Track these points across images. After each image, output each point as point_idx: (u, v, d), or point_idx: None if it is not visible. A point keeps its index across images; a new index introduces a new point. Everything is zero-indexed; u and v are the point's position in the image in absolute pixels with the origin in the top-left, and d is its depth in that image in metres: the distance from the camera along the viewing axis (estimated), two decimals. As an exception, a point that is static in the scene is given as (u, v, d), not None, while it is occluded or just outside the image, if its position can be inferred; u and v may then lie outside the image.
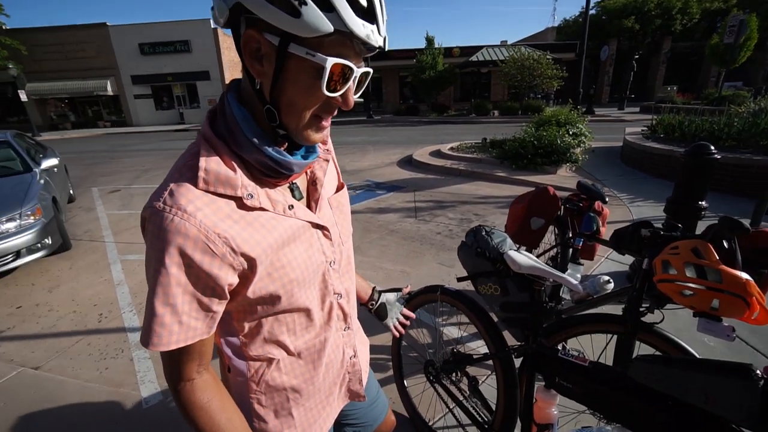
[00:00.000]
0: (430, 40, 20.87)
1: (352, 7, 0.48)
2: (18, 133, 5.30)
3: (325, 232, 0.69)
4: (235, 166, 0.56)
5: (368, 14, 0.50)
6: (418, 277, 3.09)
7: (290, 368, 0.71)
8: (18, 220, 3.34)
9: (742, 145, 5.06)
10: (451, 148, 8.50)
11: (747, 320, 0.97)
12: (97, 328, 2.61)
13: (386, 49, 0.55)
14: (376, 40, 0.51)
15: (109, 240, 4.29)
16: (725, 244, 1.03)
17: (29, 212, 3.44)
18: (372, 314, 1.09)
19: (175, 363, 0.59)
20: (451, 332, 2.33)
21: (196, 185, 0.54)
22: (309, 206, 0.69)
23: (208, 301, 0.57)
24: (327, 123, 0.60)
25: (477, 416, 1.36)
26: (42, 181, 4.06)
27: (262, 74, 0.54)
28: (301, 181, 0.69)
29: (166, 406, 1.91)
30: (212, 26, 22.57)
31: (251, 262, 0.57)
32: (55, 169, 4.83)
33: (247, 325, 0.66)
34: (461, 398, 1.43)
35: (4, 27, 20.89)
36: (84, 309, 2.87)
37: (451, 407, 1.51)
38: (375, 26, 0.51)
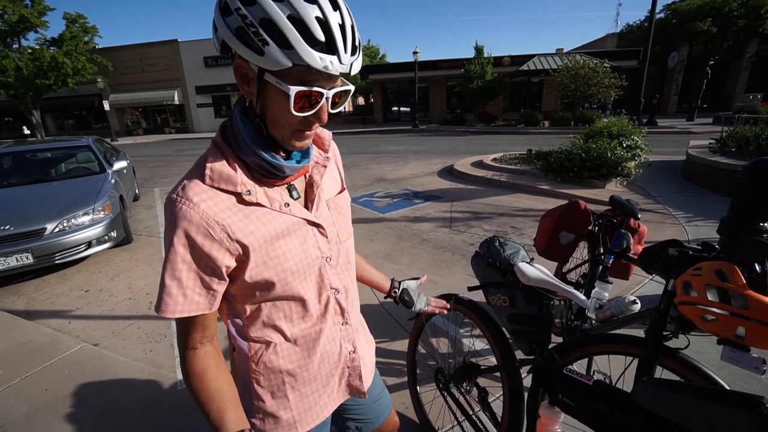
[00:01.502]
0: (479, 50, 20.62)
1: (308, 43, 0.55)
2: (98, 138, 6.02)
3: (321, 229, 0.76)
4: (237, 167, 0.67)
5: (328, 46, 0.57)
6: (446, 286, 3.07)
7: (286, 353, 0.77)
8: (91, 215, 3.79)
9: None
10: (494, 159, 8.31)
11: (780, 352, 0.89)
12: (146, 315, 2.88)
13: (351, 74, 0.61)
14: (336, 69, 0.58)
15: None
16: (757, 268, 0.94)
17: (100, 208, 3.90)
18: (398, 303, 1.14)
19: (183, 332, 0.70)
20: (470, 342, 2.29)
21: (203, 181, 0.65)
22: (306, 206, 0.76)
23: (209, 279, 0.66)
24: (310, 133, 0.67)
25: (481, 428, 1.33)
26: (113, 181, 4.58)
27: (250, 94, 0.64)
28: (299, 183, 0.77)
29: (197, 390, 2.07)
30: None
31: (245, 249, 0.66)
32: (125, 171, 5.41)
33: (248, 308, 0.74)
34: (468, 409, 1.41)
35: (96, 47, 23.84)
36: (137, 296, 3.18)
37: (460, 420, 1.49)
38: (335, 56, 0.57)
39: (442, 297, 1.52)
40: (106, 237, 3.86)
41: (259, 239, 0.67)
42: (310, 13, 0.55)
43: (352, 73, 0.61)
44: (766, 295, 0.90)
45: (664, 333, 1.16)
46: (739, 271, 0.92)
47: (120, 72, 25.23)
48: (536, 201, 5.52)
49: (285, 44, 0.55)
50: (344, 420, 1.01)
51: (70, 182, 4.48)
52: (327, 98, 0.61)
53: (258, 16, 0.55)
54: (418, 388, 1.70)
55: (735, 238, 2.23)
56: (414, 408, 1.70)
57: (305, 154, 0.74)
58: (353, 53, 0.60)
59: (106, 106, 21.72)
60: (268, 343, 0.76)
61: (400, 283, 1.14)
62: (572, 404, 0.97)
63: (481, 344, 2.26)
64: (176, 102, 25.94)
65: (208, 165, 0.66)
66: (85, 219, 3.75)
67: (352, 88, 0.66)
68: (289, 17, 0.55)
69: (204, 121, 26.80)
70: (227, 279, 0.69)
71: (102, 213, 3.88)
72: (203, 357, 0.70)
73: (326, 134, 0.82)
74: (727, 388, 1.05)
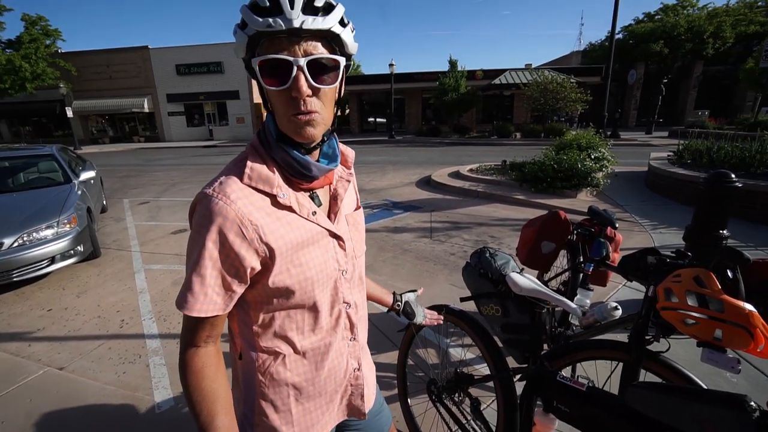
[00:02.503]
0: (453, 63, 21.25)
1: (255, 12, 0.60)
2: (62, 147, 5.72)
3: (341, 242, 0.77)
4: (275, 169, 0.70)
5: (275, 9, 0.60)
6: (430, 296, 3.08)
7: (294, 365, 0.76)
8: (55, 228, 3.57)
9: (775, 173, 4.86)
10: (471, 170, 8.51)
11: (753, 352, 0.95)
12: (118, 334, 2.73)
13: (300, 28, 0.59)
14: (281, 25, 0.59)
15: (135, 249, 4.51)
16: (729, 274, 1.02)
17: (66, 221, 3.68)
18: (401, 316, 1.18)
19: (191, 328, 0.68)
20: (458, 352, 2.31)
21: (241, 180, 0.67)
22: (329, 217, 0.78)
23: (230, 280, 0.66)
24: (304, 117, 0.64)
25: (477, 439, 1.34)
26: (79, 192, 4.34)
27: (260, 92, 0.68)
28: (323, 194, 0.78)
29: (178, 411, 1.97)
30: (244, 49, 23.79)
31: (272, 252, 0.67)
32: (92, 181, 5.15)
33: (262, 317, 0.73)
34: (462, 419, 1.42)
35: (59, 51, 22.79)
36: (108, 314, 3.01)
37: (453, 429, 1.50)
38: (278, 16, 0.59)
39: (432, 308, 1.53)
40: (72, 251, 3.64)
41: (287, 244, 0.68)
42: None
43: (314, 27, 0.60)
44: (738, 299, 0.97)
45: (646, 337, 1.22)
46: (714, 277, 0.99)
47: (85, 78, 24.20)
48: (513, 211, 5.69)
49: (243, 25, 0.62)
50: None
51: (32, 193, 4.21)
52: (301, 68, 0.61)
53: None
54: (409, 400, 1.69)
55: (699, 245, 2.39)
56: (405, 421, 1.69)
57: (332, 158, 0.75)
58: (307, 12, 0.60)
59: (69, 113, 20.66)
60: (277, 354, 0.75)
61: (401, 296, 1.17)
62: (567, 411, 1.00)
63: (470, 354, 2.28)
64: (146, 110, 25.04)
65: (249, 164, 0.68)
66: (49, 232, 3.53)
67: (339, 58, 0.64)
68: (248, 5, 0.62)
69: (176, 129, 25.99)
70: (248, 282, 0.69)
71: (68, 226, 3.66)
72: (204, 356, 0.69)
73: (350, 153, 0.85)
74: (705, 387, 1.11)
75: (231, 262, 0.65)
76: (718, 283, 0.98)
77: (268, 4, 0.60)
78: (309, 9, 0.61)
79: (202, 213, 0.64)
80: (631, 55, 23.57)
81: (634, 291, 2.98)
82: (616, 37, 15.06)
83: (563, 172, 6.20)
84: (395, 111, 24.12)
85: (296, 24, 0.59)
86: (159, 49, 24.55)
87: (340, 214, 0.79)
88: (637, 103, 24.64)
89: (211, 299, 0.65)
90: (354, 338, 0.85)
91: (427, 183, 8.07)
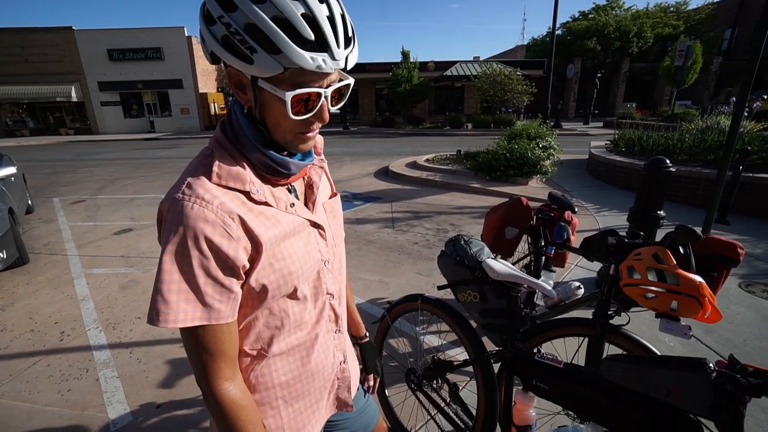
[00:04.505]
0: (405, 55, 21.33)
1: (297, 43, 0.53)
2: (-29, 140, 4.98)
3: (321, 231, 0.75)
4: (244, 164, 0.64)
5: (319, 44, 0.55)
6: (397, 286, 3.11)
7: (280, 365, 0.73)
8: (-30, 233, 3.12)
9: (693, 159, 5.46)
10: (427, 160, 8.66)
11: (700, 319, 1.06)
12: (58, 348, 2.45)
13: (347, 68, 0.60)
14: (330, 67, 0.56)
15: (72, 253, 4.07)
16: (681, 250, 1.12)
17: (-17, 224, 3.22)
18: (357, 356, 1.06)
19: (216, 361, 0.62)
20: (432, 340, 2.35)
21: (210, 179, 0.61)
22: (306, 206, 0.75)
23: (229, 282, 0.61)
24: (312, 134, 0.66)
25: (458, 422, 1.38)
26: (-2, 192, 3.82)
27: (247, 101, 0.63)
28: (298, 185, 0.75)
29: (137, 427, 1.81)
30: (186, 34, 22.16)
31: (258, 248, 0.63)
32: (12, 179, 4.55)
33: (242, 318, 0.68)
34: (443, 405, 1.45)
35: (-45, 28, 19.74)
36: (43, 327, 2.69)
37: (432, 414, 1.53)
38: (327, 53, 0.55)
39: (406, 298, 1.54)
40: (-8, 259, 3.21)
41: (271, 239, 0.64)
42: (295, 10, 0.53)
43: (349, 67, 0.60)
44: (690, 272, 1.07)
45: (608, 312, 1.31)
46: (670, 253, 1.08)
47: (-9, 61, 21.20)
48: (470, 199, 5.88)
49: (273, 49, 0.53)
50: None
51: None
52: (326, 97, 0.60)
53: (241, 21, 0.53)
54: (386, 391, 1.70)
55: (641, 225, 2.62)
56: (384, 413, 1.69)
57: (307, 153, 0.73)
58: (347, 45, 0.59)
59: (-26, 102, 18.03)
60: (261, 356, 0.71)
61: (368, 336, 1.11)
62: (546, 388, 1.05)
63: (442, 340, 2.33)
64: (74, 99, 22.36)
65: (216, 162, 0.62)
66: (-39, 239, 3.07)
67: (351, 81, 0.65)
68: (273, 19, 0.53)
69: (111, 121, 23.61)
70: (243, 278, 0.64)
71: (-15, 231, 3.21)
72: (245, 389, 0.67)
73: (320, 139, 0.81)
74: (659, 354, 1.22)
75: (224, 265, 0.60)
76: (674, 260, 1.07)
77: (312, 36, 0.54)
78: (347, 42, 0.59)
79: (174, 220, 0.58)
80: (569, 50, 25.17)
81: (586, 270, 3.22)
82: (556, 33, 16.00)
83: (515, 160, 6.50)
84: (349, 102, 23.83)
85: (342, 64, 0.57)
86: (86, 30, 22.04)
87: (318, 202, 0.77)
88: (575, 96, 26.43)
89: (212, 307, 0.60)
90: (339, 330, 0.83)
91: (385, 174, 8.10)
